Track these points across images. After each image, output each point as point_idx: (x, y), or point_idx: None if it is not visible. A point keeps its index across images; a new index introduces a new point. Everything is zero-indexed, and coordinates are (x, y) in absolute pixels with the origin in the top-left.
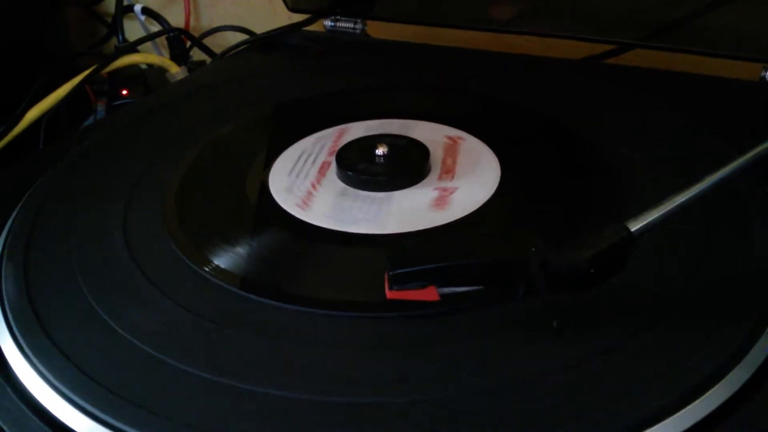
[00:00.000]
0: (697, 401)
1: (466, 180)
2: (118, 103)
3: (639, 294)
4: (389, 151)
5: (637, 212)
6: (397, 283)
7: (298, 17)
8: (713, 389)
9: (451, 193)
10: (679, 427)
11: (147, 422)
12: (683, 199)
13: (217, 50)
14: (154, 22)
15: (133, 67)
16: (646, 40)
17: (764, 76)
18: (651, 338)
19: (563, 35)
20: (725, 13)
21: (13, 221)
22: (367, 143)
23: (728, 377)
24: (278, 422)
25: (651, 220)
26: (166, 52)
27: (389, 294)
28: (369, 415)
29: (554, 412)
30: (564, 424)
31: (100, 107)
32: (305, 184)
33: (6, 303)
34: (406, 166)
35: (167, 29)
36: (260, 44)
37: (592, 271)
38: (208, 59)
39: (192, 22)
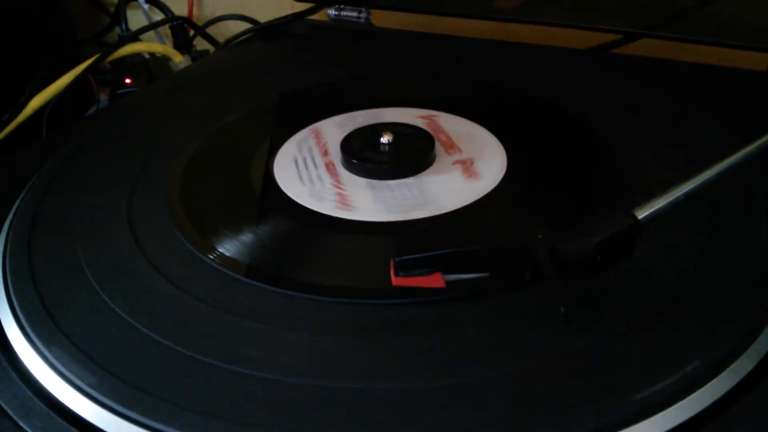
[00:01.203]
0: (699, 391)
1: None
2: (121, 91)
3: (645, 282)
4: (394, 139)
5: (643, 200)
6: (403, 269)
7: (301, 6)
8: (716, 379)
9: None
10: (681, 417)
11: (153, 408)
12: (690, 187)
13: (221, 39)
14: (157, 11)
15: (137, 56)
16: (653, 29)
17: None
18: (656, 327)
19: (569, 24)
20: (732, 3)
21: (16, 209)
22: (371, 131)
23: (731, 368)
24: (288, 409)
25: (658, 208)
26: (169, 41)
27: (395, 280)
28: (371, 401)
29: (558, 399)
30: (566, 411)
31: (103, 97)
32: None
33: (11, 289)
34: (411, 155)
35: (170, 18)
36: (264, 33)
37: (599, 258)
38: (212, 48)
39: (195, 11)
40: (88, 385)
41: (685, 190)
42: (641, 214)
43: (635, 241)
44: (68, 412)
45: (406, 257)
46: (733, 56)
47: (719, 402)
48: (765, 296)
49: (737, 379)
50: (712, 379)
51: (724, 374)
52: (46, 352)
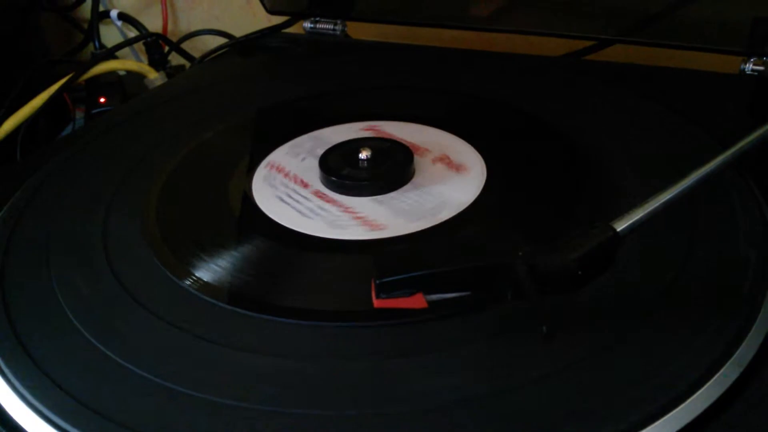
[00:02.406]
0: (688, 400)
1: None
2: (96, 111)
3: (627, 294)
4: (373, 155)
5: (622, 209)
6: (384, 291)
7: (277, 19)
8: (704, 387)
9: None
10: (672, 427)
11: None
12: (668, 196)
13: (196, 55)
14: (131, 28)
15: (111, 74)
16: (626, 35)
17: (743, 69)
18: (639, 339)
19: (543, 32)
20: (704, 7)
21: None
22: (350, 147)
23: (718, 375)
24: None
25: (637, 219)
26: (144, 58)
27: (376, 302)
28: (358, 427)
29: (546, 416)
30: (555, 429)
31: (79, 115)
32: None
33: None
34: (389, 171)
35: (144, 34)
36: (239, 47)
37: (579, 272)
38: (187, 64)
39: (170, 27)
40: (61, 417)
41: (663, 200)
42: (620, 226)
43: (615, 253)
44: None
45: (387, 279)
46: (706, 60)
47: (708, 409)
48: (746, 304)
49: (726, 385)
50: (701, 387)
51: (711, 382)
52: (19, 386)
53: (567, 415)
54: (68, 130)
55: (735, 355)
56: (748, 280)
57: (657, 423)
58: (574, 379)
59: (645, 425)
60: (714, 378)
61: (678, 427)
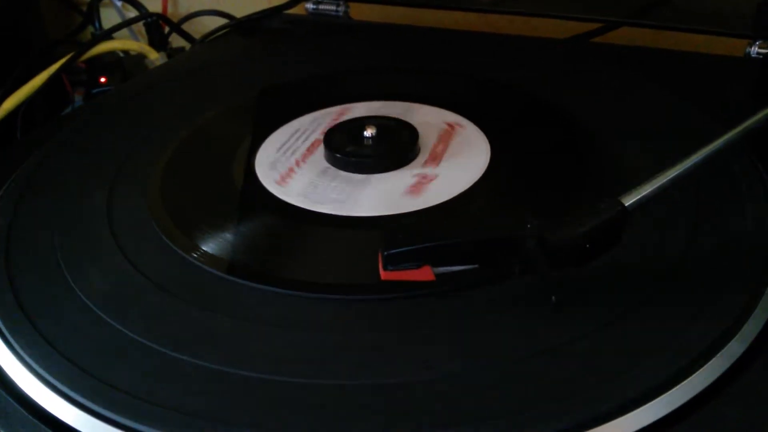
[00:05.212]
0: (693, 375)
1: (454, 161)
2: (96, 90)
3: (634, 268)
4: (377, 133)
5: (629, 187)
6: (392, 263)
7: (278, 0)
8: (709, 363)
9: (431, 181)
10: (676, 402)
11: (136, 410)
12: (675, 173)
13: (197, 35)
14: (131, 9)
15: (111, 55)
16: (632, 17)
17: (749, 52)
18: (646, 313)
19: (548, 14)
20: None
21: None
22: (355, 125)
23: (723, 351)
24: (267, 407)
25: (644, 194)
26: (144, 39)
27: (383, 275)
28: (358, 398)
29: (552, 389)
30: (560, 401)
31: (78, 97)
32: (293, 167)
33: None
34: (394, 149)
35: (144, 15)
36: (241, 28)
37: (587, 246)
38: (188, 45)
39: (170, 8)
40: (69, 388)
41: (670, 177)
42: (628, 201)
43: (623, 228)
44: (50, 418)
45: (395, 250)
46: (711, 43)
47: (711, 387)
48: (753, 279)
49: (728, 363)
50: (703, 365)
51: (714, 360)
52: (25, 355)
53: (568, 390)
54: (67, 111)
55: (741, 331)
56: (753, 257)
57: (662, 396)
58: (577, 353)
59: (651, 398)
60: (718, 354)
61: (683, 401)
